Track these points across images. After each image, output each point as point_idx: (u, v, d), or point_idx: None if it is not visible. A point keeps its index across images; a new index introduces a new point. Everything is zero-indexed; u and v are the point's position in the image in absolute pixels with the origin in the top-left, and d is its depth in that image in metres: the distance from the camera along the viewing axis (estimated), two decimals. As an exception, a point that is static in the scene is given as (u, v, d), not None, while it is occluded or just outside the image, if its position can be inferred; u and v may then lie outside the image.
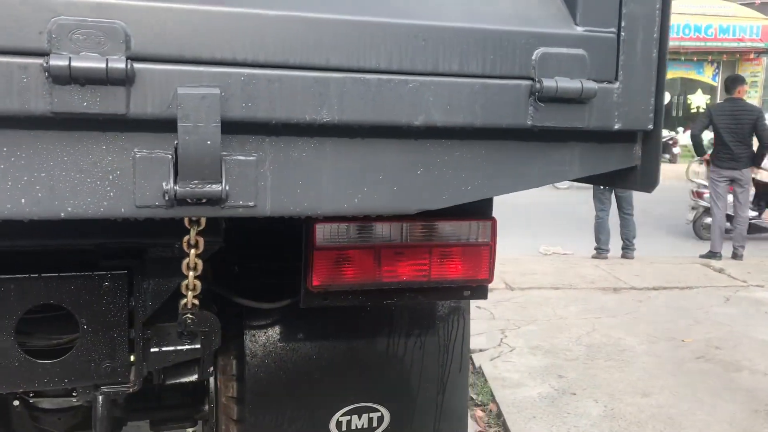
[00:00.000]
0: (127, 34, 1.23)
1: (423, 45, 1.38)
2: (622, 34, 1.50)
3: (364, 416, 2.29)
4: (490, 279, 1.94)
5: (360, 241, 1.81)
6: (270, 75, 1.31)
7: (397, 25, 1.37)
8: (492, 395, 4.53)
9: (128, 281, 1.68)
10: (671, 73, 25.42)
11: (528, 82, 1.44)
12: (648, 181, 1.59)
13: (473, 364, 5.12)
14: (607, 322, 6.09)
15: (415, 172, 1.46)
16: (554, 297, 6.88)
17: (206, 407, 2.61)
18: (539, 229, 11.28)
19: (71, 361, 1.67)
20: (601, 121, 1.51)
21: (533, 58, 1.44)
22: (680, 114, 27.65)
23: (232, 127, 1.32)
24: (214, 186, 1.30)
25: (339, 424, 2.26)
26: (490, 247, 1.92)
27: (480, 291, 1.99)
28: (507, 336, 5.65)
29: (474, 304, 6.47)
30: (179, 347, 1.84)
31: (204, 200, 1.31)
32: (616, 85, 1.51)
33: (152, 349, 1.82)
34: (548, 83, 1.43)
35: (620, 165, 1.60)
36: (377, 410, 2.31)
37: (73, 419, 2.43)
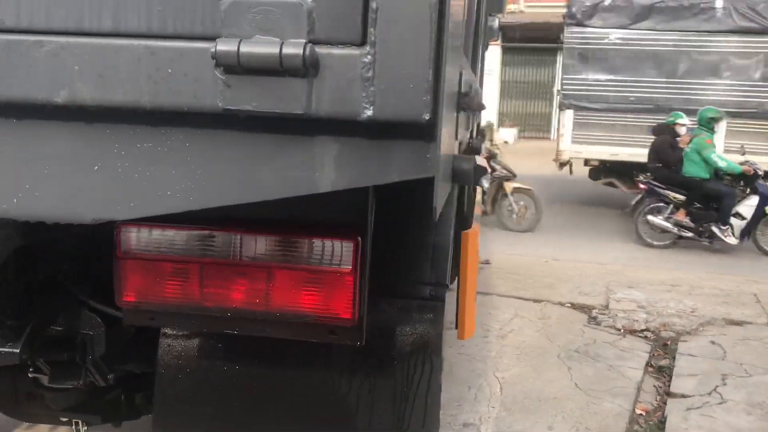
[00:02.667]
0: None
1: (61, -6, 1.01)
2: (375, -29, 0.96)
3: None
4: (353, 319, 1.44)
5: (177, 252, 1.46)
6: None
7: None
8: (658, 455, 3.68)
9: None
10: None
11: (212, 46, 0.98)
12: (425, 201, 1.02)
13: (663, 411, 4.23)
14: None
15: (91, 169, 1.09)
16: (830, 343, 5.43)
17: None
18: None
19: None
20: (337, 105, 0.99)
21: (222, 10, 0.98)
22: None
23: None
24: None
25: None
26: (354, 276, 1.42)
27: (351, 334, 1.50)
28: (726, 384, 4.57)
29: (706, 338, 5.42)
30: None
31: None
32: (365, 50, 0.97)
33: None
34: (225, 47, 0.96)
35: (406, 174, 1.04)
36: None
37: (69, 400, 2.41)
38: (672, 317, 5.92)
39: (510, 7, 22.20)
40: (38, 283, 1.75)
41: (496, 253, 8.04)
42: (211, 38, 0.99)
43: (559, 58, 21.50)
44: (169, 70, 1.00)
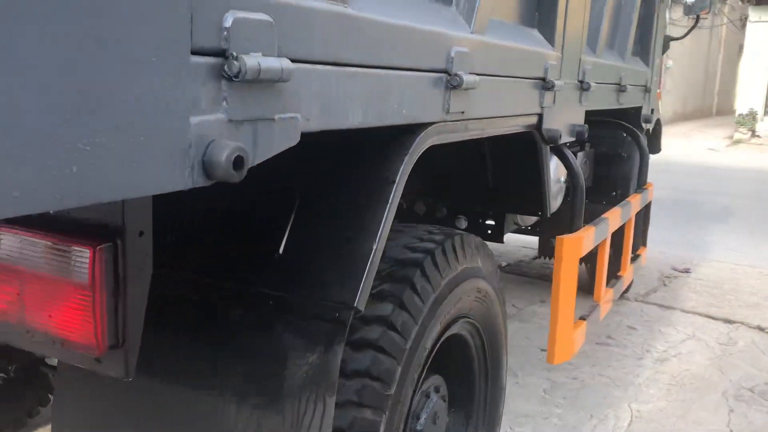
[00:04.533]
0: None
1: None
2: None
3: None
4: (97, 348, 1.10)
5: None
6: None
7: None
8: None
9: None
10: None
11: None
12: None
13: None
14: None
15: None
16: None
17: None
18: None
19: None
20: None
21: None
22: None
23: None
24: None
25: None
26: (95, 293, 1.08)
27: (112, 364, 1.16)
28: None
29: None
30: None
31: None
32: None
33: None
34: None
35: None
36: None
37: None
38: None
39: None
40: None
41: (706, 259, 6.97)
42: None
43: None
44: None
